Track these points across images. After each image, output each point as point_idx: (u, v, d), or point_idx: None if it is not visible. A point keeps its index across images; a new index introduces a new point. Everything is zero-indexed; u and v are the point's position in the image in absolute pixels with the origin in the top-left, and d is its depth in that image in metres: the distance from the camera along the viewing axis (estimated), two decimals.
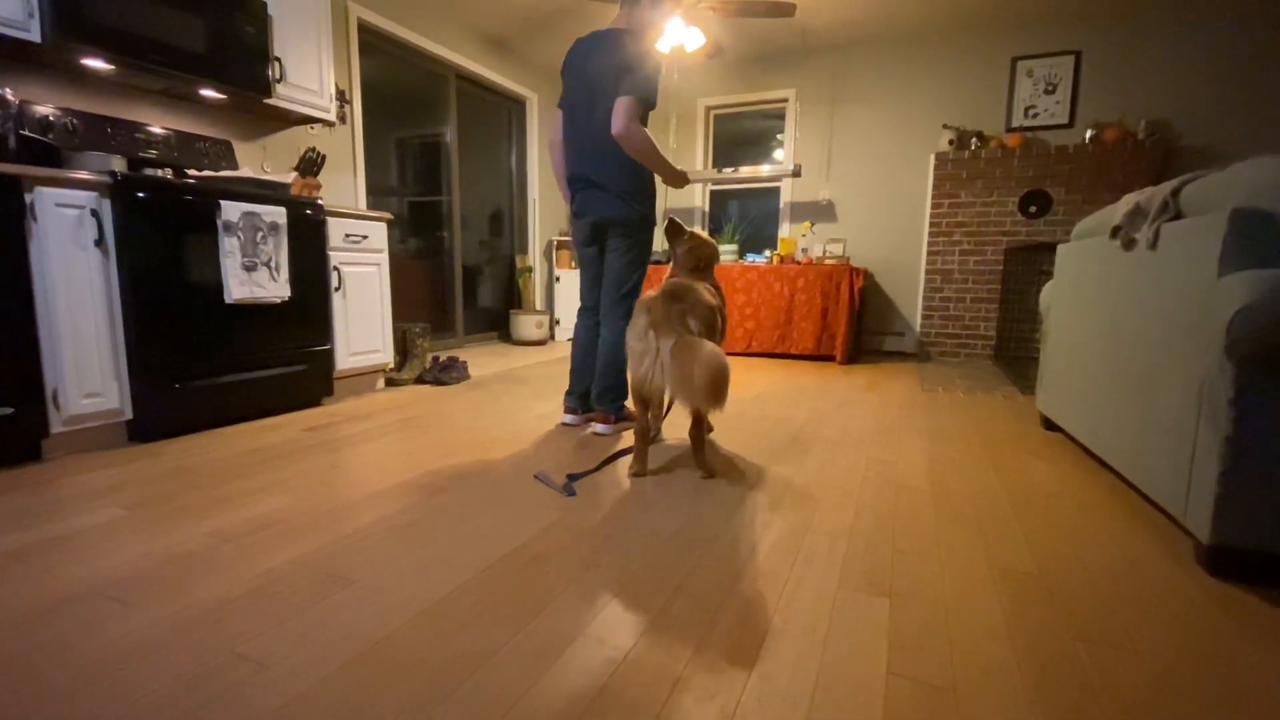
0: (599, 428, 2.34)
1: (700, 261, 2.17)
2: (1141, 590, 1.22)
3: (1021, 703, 0.89)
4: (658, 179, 2.31)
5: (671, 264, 2.22)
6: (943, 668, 0.97)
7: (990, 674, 0.96)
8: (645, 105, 2.12)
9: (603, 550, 1.36)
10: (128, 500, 1.62)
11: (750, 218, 5.48)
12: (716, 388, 1.54)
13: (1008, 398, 3.16)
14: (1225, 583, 1.26)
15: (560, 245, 5.49)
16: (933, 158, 4.50)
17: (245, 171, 2.73)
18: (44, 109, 2.28)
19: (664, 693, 0.90)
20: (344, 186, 3.66)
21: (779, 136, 5.33)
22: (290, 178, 2.79)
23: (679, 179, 2.33)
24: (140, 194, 2.07)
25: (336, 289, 2.80)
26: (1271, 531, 1.20)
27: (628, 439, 2.25)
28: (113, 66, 2.32)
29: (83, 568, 1.25)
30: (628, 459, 2.00)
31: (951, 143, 4.45)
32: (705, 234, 2.21)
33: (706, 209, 5.61)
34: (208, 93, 2.67)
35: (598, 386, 2.34)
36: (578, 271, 5.29)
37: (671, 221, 2.25)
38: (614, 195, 2.24)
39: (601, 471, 1.89)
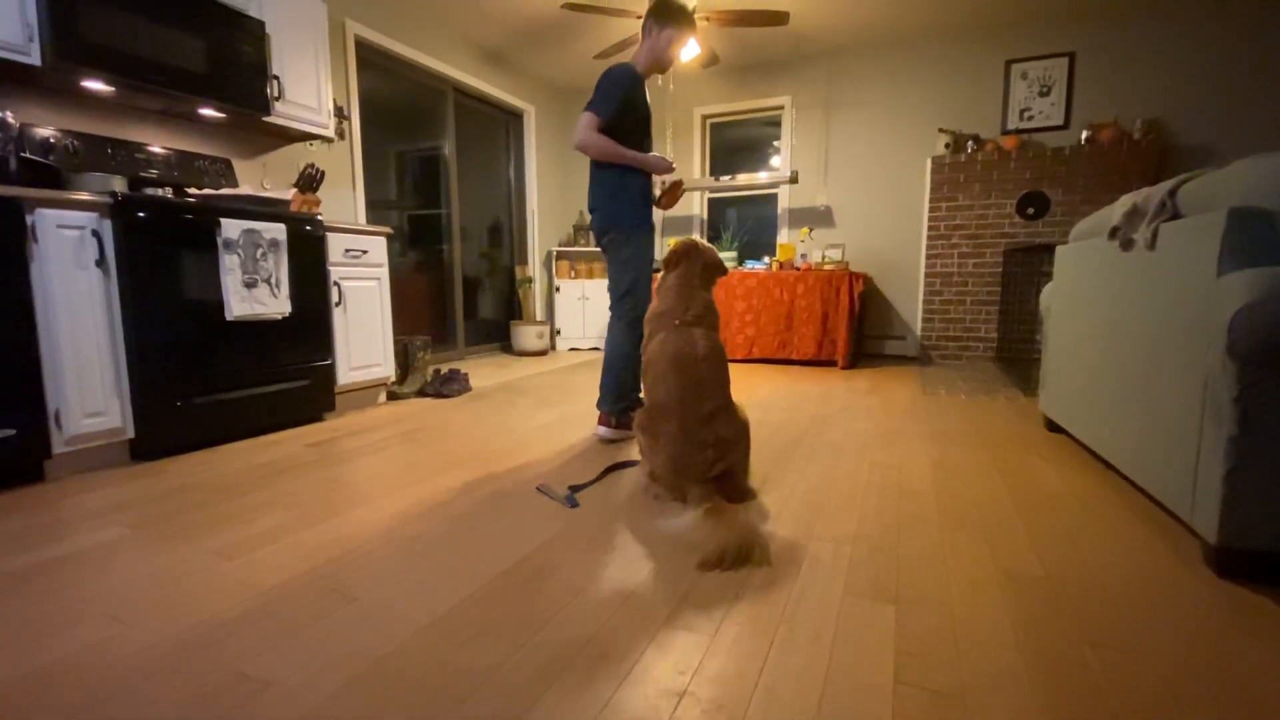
0: (601, 430, 2.34)
1: (700, 272, 1.93)
2: (1149, 593, 1.21)
3: (1031, 708, 0.88)
4: (651, 182, 2.37)
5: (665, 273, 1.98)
6: (951, 675, 0.96)
7: (999, 680, 0.95)
8: (599, 116, 2.19)
9: (605, 561, 1.35)
10: (130, 519, 1.61)
11: (749, 224, 5.49)
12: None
13: (1010, 400, 3.15)
14: (1234, 584, 1.25)
15: (560, 256, 5.50)
16: (929, 161, 4.52)
17: (245, 189, 2.75)
18: (45, 131, 2.29)
19: (670, 706, 0.89)
20: (343, 201, 3.68)
21: (775, 143, 5.35)
22: (290, 194, 2.81)
23: (663, 165, 2.32)
24: (141, 213, 2.08)
25: (337, 304, 2.81)
26: None
27: (631, 448, 2.25)
28: (112, 88, 2.34)
29: (85, 588, 1.25)
30: (629, 469, 2.00)
31: (948, 146, 4.46)
32: (700, 240, 2.00)
33: (705, 216, 5.63)
34: (207, 112, 2.69)
35: (601, 388, 2.37)
36: (578, 281, 5.33)
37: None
38: (594, 209, 2.37)
39: (603, 481, 1.89)
